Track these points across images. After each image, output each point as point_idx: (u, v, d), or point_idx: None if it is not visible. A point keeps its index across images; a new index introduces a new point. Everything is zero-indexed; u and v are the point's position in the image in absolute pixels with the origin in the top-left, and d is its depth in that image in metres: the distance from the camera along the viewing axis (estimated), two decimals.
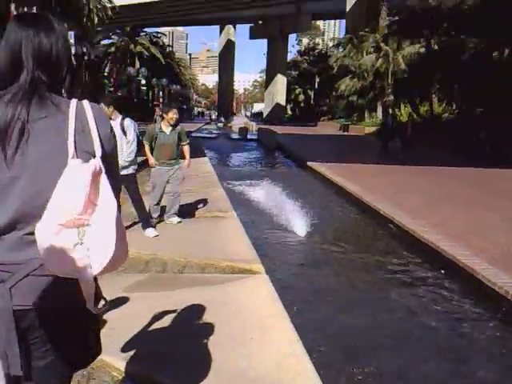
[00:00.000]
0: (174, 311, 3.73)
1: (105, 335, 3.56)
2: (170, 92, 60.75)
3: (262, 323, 3.60)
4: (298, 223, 7.53)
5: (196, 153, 8.52)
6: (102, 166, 1.27)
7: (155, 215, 6.75)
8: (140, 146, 6.34)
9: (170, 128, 6.58)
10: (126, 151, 6.01)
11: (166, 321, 3.57)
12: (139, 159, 6.64)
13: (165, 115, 6.65)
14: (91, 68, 40.44)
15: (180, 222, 6.76)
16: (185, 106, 77.94)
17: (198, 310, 3.78)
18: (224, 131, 40.74)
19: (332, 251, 6.76)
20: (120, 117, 6.05)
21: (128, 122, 6.04)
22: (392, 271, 5.94)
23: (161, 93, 56.85)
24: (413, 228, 7.00)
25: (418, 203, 8.86)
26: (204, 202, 8.15)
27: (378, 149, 18.39)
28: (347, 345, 4.03)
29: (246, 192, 10.26)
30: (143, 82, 53.74)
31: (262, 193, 9.63)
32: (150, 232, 6.27)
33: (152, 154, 6.62)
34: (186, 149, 6.83)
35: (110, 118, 6.01)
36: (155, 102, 48.80)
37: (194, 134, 29.59)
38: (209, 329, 3.46)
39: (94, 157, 1.31)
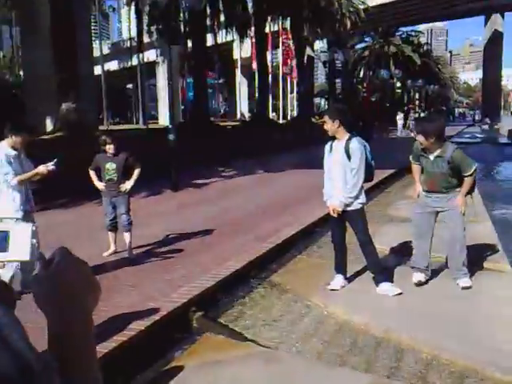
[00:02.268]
0: None
1: None
2: (428, 93, 57.15)
3: None
4: None
5: None
6: None
7: (419, 264, 4.83)
8: (369, 171, 4.69)
9: (434, 153, 4.62)
10: (350, 182, 4.52)
11: None
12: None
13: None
14: (345, 73, 40.28)
15: (469, 287, 4.63)
16: (444, 107, 73.10)
17: None
18: (490, 134, 35.72)
19: None
20: (347, 136, 4.59)
21: (355, 143, 4.53)
22: None
23: (417, 95, 53.94)
24: None
25: None
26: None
27: None
28: None
29: None
30: (398, 84, 51.71)
31: None
32: (387, 289, 4.65)
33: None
34: (468, 180, 4.63)
35: (334, 137, 4.61)
36: (410, 105, 46.31)
37: (454, 140, 26.33)
38: None
39: None
